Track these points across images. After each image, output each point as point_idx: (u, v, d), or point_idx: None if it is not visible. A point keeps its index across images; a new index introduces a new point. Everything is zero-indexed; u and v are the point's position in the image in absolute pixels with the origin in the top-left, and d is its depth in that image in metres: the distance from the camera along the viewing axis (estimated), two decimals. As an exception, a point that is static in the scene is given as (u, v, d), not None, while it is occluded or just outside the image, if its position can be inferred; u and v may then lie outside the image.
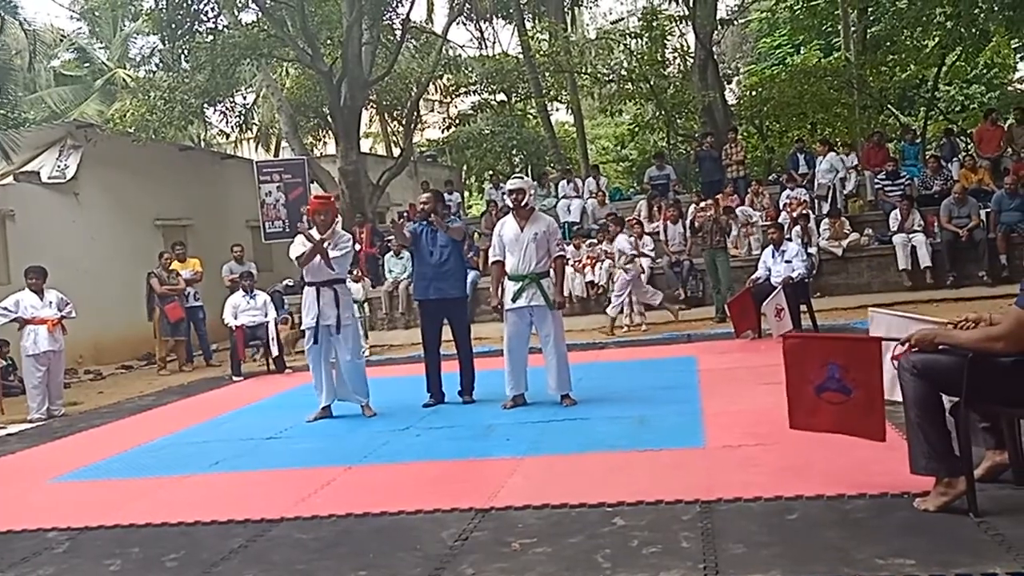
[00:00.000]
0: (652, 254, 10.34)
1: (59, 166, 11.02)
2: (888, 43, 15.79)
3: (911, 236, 9.60)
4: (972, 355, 2.62)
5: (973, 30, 14.21)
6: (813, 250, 9.57)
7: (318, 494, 3.75)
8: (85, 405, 7.60)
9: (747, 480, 3.32)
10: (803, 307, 7.42)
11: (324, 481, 3.97)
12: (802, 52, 19.27)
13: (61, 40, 20.48)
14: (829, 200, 11.02)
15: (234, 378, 8.21)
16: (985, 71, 18.25)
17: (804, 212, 10.23)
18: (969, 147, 12.88)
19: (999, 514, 2.67)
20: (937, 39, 15.06)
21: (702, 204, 10.23)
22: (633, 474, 3.62)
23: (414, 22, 16.53)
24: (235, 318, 8.44)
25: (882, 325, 3.29)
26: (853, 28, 16.25)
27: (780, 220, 9.63)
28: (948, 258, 9.43)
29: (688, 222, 10.27)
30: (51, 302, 7.10)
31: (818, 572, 2.38)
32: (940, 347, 2.73)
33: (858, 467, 3.25)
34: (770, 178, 13.46)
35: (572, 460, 3.99)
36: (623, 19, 21.77)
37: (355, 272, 9.53)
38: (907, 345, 2.77)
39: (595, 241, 10.50)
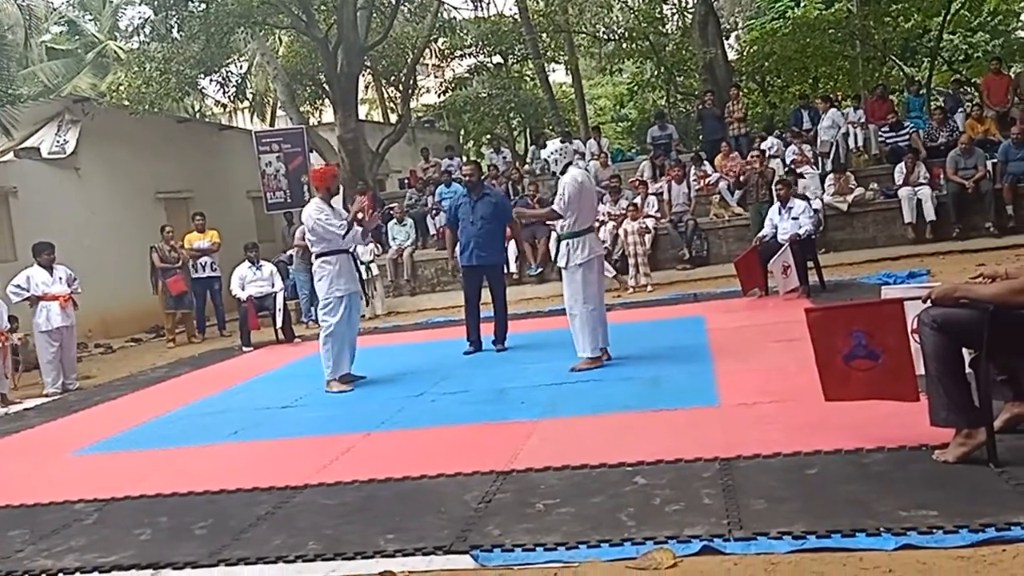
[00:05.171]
0: (657, 215, 10.29)
1: (58, 141, 10.91)
2: (891, -8, 15.40)
3: (916, 189, 9.53)
4: (993, 308, 2.63)
5: (978, -24, 13.86)
6: (817, 204, 9.50)
7: (339, 460, 3.81)
8: (99, 378, 7.67)
9: (764, 437, 3.35)
10: (810, 264, 7.42)
11: (344, 448, 4.02)
12: (803, 5, 18.84)
13: (51, 13, 20.08)
14: (832, 156, 10.91)
15: (244, 349, 8.26)
16: (990, 19, 17.84)
17: (800, 170, 10.12)
18: (974, 97, 12.68)
19: (1019, 464, 2.70)
20: (941, -14, 14.67)
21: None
22: (650, 434, 3.65)
23: (408, -16, 16.09)
24: (242, 289, 8.45)
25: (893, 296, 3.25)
26: (855, -23, 15.84)
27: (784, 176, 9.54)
28: (954, 210, 9.35)
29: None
30: (61, 278, 7.12)
31: (841, 525, 2.41)
32: (960, 301, 2.74)
33: (874, 421, 3.27)
34: (773, 134, 13.28)
35: (588, 421, 4.03)
36: (621, -25, 21.27)
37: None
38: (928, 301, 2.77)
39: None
